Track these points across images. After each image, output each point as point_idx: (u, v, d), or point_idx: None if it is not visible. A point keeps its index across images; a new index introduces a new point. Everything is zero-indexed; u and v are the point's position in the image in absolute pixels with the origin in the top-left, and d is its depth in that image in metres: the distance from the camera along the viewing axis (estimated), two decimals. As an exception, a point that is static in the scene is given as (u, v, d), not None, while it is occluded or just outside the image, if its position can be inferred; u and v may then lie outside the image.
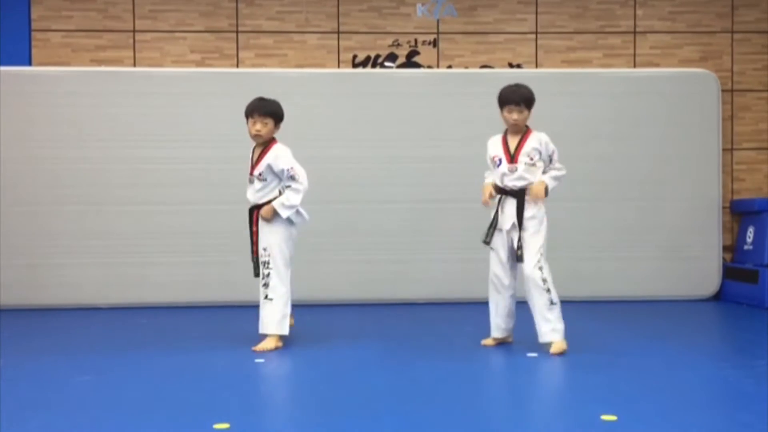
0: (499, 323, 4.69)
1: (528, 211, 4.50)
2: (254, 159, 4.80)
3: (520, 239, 4.48)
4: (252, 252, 4.77)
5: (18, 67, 6.91)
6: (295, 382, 4.09)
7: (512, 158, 4.55)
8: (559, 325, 4.45)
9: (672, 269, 7.04)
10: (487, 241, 4.60)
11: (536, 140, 4.57)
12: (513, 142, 4.60)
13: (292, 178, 4.67)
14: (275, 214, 4.65)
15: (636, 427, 2.98)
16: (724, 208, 7.32)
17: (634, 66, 7.48)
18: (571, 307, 6.41)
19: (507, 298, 4.64)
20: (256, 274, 4.74)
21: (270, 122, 4.74)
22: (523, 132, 4.61)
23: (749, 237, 7.19)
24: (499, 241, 4.60)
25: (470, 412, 3.26)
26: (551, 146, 4.60)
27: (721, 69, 7.50)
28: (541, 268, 4.47)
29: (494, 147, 4.66)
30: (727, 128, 7.47)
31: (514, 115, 4.55)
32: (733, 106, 7.55)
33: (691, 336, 5.30)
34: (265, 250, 4.66)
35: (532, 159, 4.54)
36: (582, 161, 6.80)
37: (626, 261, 7.02)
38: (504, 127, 4.69)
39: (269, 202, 4.70)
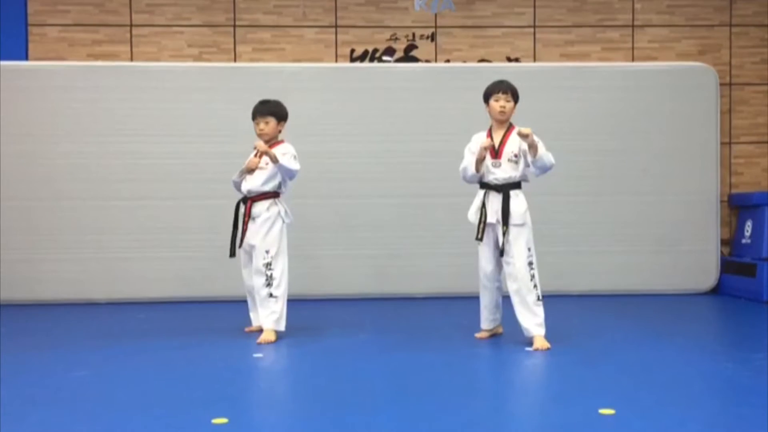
0: (487, 315, 4.80)
1: (513, 206, 4.52)
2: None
3: (505, 234, 4.51)
4: (235, 238, 4.94)
5: (14, 62, 6.88)
6: (293, 376, 4.10)
7: (496, 153, 4.56)
8: (543, 321, 4.52)
9: (670, 263, 7.04)
10: (480, 238, 4.63)
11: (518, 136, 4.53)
12: (497, 138, 4.61)
13: (295, 158, 4.86)
14: (273, 159, 4.74)
15: (634, 421, 2.98)
16: (722, 201, 7.32)
17: (633, 60, 7.47)
18: (569, 301, 6.47)
19: (494, 290, 4.73)
20: (232, 254, 4.96)
21: (272, 120, 4.90)
22: (507, 128, 4.62)
23: (747, 231, 7.19)
24: (486, 236, 4.63)
25: (468, 404, 3.26)
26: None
27: (719, 63, 7.49)
28: (530, 263, 4.51)
29: (479, 143, 4.63)
30: (726, 122, 7.46)
31: (501, 102, 4.56)
32: (731, 100, 7.54)
33: (689, 330, 5.30)
34: (267, 252, 4.78)
35: (516, 156, 4.55)
36: (580, 155, 6.82)
37: (624, 255, 7.01)
38: (488, 124, 4.69)
39: (268, 193, 4.85)
